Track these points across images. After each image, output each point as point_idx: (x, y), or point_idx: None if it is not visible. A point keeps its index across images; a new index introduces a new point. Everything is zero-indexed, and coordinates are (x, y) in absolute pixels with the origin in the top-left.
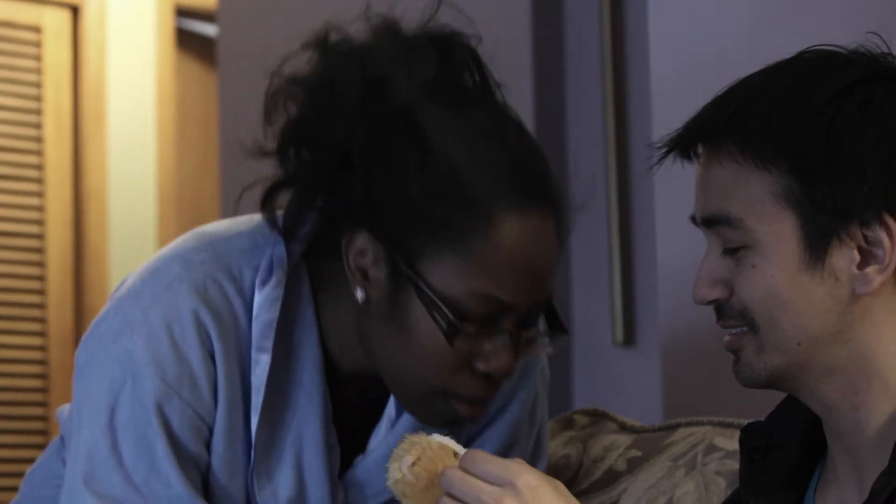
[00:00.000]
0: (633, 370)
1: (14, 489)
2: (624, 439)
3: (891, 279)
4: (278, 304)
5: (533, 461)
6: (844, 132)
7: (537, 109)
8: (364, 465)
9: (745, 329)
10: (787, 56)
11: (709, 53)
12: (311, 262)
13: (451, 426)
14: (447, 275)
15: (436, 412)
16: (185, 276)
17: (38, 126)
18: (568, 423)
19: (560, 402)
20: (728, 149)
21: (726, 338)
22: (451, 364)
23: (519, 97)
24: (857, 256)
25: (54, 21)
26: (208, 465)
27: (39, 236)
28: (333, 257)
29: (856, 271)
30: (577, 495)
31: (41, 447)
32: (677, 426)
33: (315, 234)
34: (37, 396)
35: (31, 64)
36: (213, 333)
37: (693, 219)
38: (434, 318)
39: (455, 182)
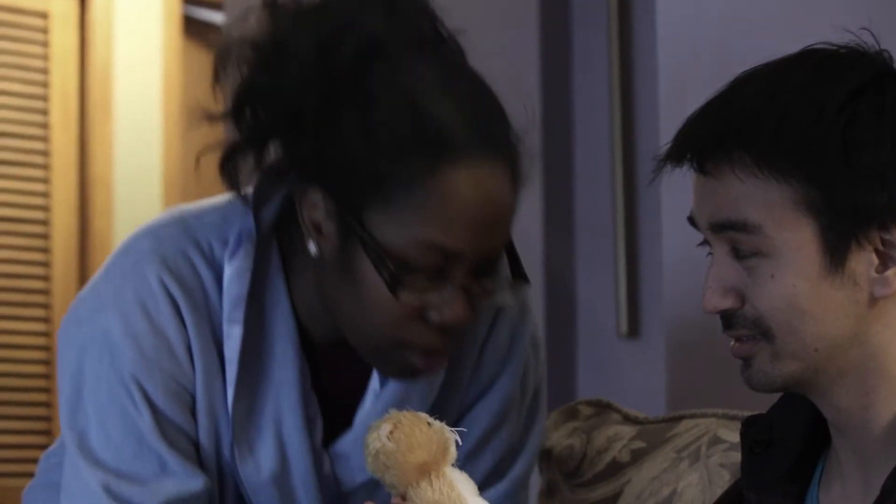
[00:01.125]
0: (638, 362)
1: (19, 475)
2: (628, 430)
3: None
4: (248, 276)
5: (526, 433)
6: (859, 139)
7: (544, 101)
8: (350, 438)
9: (758, 337)
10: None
11: (716, 48)
12: (280, 234)
13: (409, 378)
14: (392, 227)
15: (394, 364)
16: (154, 251)
17: (44, 112)
18: (572, 414)
19: (564, 393)
20: (742, 161)
21: (734, 344)
22: (403, 315)
23: (526, 89)
24: (875, 260)
25: (61, 7)
26: (197, 434)
27: (45, 222)
28: (299, 226)
29: (875, 275)
30: (581, 486)
31: (45, 433)
32: (681, 418)
33: (283, 206)
34: (41, 382)
35: (37, 50)
36: (183, 306)
37: (691, 221)
38: (378, 271)
39: (399, 135)
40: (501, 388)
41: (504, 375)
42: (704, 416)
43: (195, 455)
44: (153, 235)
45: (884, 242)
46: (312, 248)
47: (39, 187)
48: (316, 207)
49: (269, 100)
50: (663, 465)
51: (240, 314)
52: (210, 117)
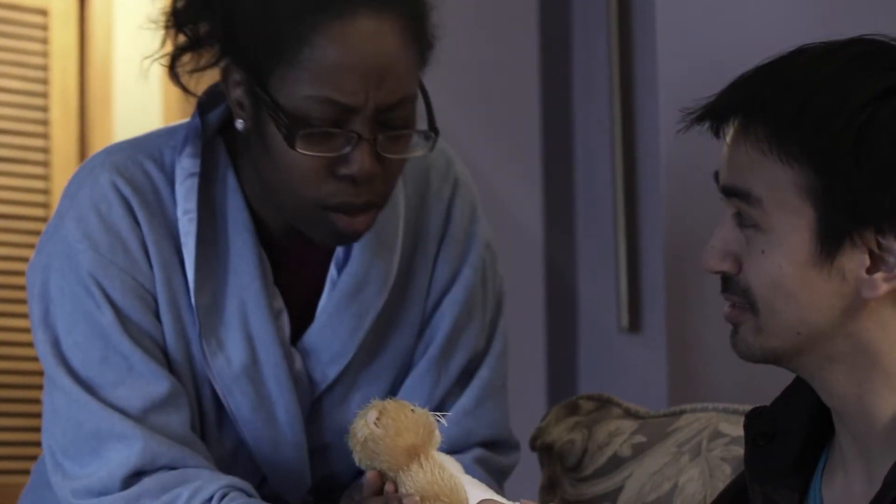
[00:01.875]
0: (639, 356)
1: (21, 473)
2: (629, 425)
3: None
4: (197, 162)
5: (489, 339)
6: (874, 140)
7: (544, 96)
8: (315, 330)
9: (746, 307)
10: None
11: (715, 41)
12: (226, 136)
13: (340, 242)
14: (289, 87)
15: (321, 228)
16: (106, 161)
17: (44, 109)
18: (573, 409)
19: (565, 388)
20: (756, 134)
21: (727, 309)
22: (311, 172)
23: (525, 84)
24: (867, 261)
25: (61, 4)
26: (164, 338)
27: (45, 220)
28: (237, 137)
29: (864, 275)
30: (582, 480)
31: None
32: (682, 412)
33: (227, 108)
34: (40, 380)
35: (37, 47)
36: (136, 206)
37: (715, 177)
38: (278, 128)
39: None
40: (464, 281)
41: (465, 268)
42: (705, 410)
43: (162, 358)
44: (105, 150)
45: (879, 245)
46: (239, 123)
47: (40, 184)
48: (237, 84)
49: None
50: (664, 460)
51: (192, 206)
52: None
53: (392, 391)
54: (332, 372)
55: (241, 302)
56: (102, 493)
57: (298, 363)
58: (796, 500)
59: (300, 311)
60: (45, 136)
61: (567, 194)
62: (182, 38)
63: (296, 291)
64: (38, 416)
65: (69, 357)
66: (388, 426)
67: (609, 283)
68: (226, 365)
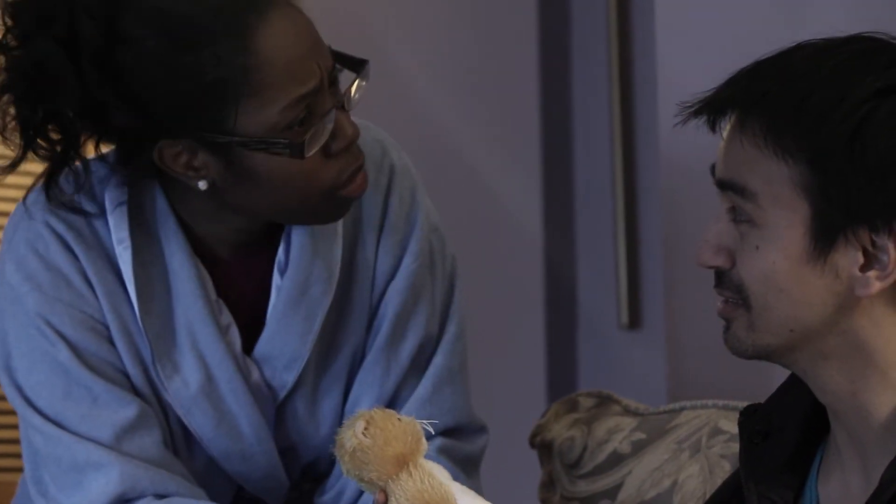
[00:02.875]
0: (639, 353)
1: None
2: (629, 422)
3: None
4: (125, 190)
5: (443, 322)
6: (870, 137)
7: (543, 92)
8: (266, 338)
9: (739, 303)
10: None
11: (715, 32)
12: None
13: (347, 211)
14: (254, 115)
15: (337, 207)
16: (38, 200)
17: None
18: (573, 406)
19: (565, 385)
20: (752, 128)
21: (720, 304)
22: (317, 168)
23: (524, 79)
24: (860, 258)
25: None
26: (123, 363)
27: None
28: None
29: (857, 273)
30: (582, 477)
31: None
32: (682, 409)
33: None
34: None
35: None
36: (71, 241)
37: (712, 170)
38: (277, 154)
39: (191, 51)
40: (406, 269)
41: (406, 256)
42: (705, 407)
43: (126, 383)
44: (38, 188)
45: (873, 244)
46: (201, 185)
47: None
48: (179, 156)
49: (59, 110)
50: (664, 457)
51: (125, 234)
52: (8, 167)
53: (349, 388)
54: (290, 377)
55: (189, 322)
56: None
57: (255, 374)
58: (791, 499)
59: (251, 321)
60: None
61: (566, 192)
62: (55, 155)
63: (243, 303)
64: None
65: (34, 397)
66: (376, 436)
67: (609, 281)
68: (183, 387)
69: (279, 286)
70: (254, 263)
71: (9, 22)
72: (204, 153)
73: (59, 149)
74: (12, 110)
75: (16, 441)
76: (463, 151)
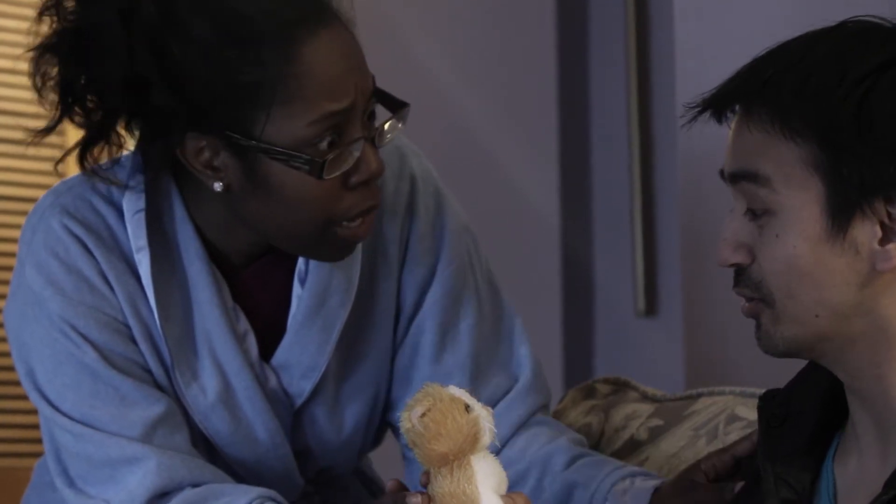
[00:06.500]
0: (655, 340)
1: (26, 455)
2: (646, 408)
3: None
4: (143, 197)
5: (498, 320)
6: (876, 110)
7: (560, 80)
8: (285, 347)
9: (759, 300)
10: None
11: (733, 26)
12: (170, 167)
13: (351, 250)
14: (282, 124)
15: (333, 245)
16: (55, 203)
17: None
18: (590, 392)
19: (582, 372)
20: (759, 115)
21: (744, 304)
22: (332, 194)
23: (542, 66)
24: (879, 232)
25: None
26: (147, 362)
27: None
28: (183, 168)
29: (877, 247)
30: None
31: None
32: (699, 395)
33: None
34: None
35: None
36: (90, 243)
37: (721, 173)
38: (295, 168)
39: (239, 48)
40: (441, 274)
41: (440, 262)
42: (722, 393)
43: (152, 381)
44: (53, 191)
45: (889, 216)
46: (217, 186)
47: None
48: (201, 152)
49: (100, 81)
50: (681, 443)
51: (143, 242)
52: (43, 131)
53: (375, 398)
54: (307, 385)
55: (206, 330)
56: None
57: (273, 380)
58: (808, 482)
59: (268, 328)
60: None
61: (584, 179)
62: (93, 125)
63: (261, 310)
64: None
65: (59, 400)
66: (428, 427)
67: (625, 268)
68: (200, 394)
69: (300, 296)
70: (272, 273)
71: None
72: (226, 153)
73: (95, 119)
74: (54, 72)
75: (15, 427)
76: (481, 140)
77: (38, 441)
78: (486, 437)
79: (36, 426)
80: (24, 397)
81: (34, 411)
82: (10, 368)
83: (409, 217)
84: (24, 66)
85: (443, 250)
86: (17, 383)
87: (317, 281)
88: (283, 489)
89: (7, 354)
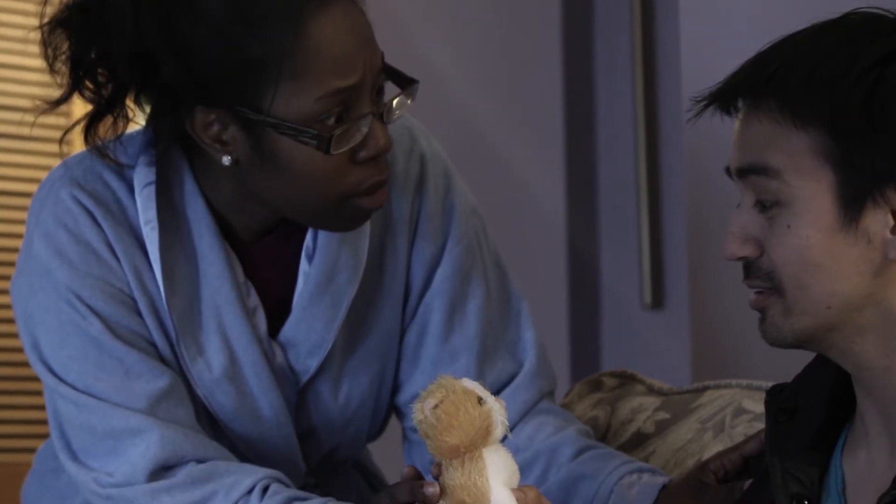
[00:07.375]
0: (662, 333)
1: (24, 451)
2: (652, 401)
3: None
4: (153, 170)
5: (506, 301)
6: (885, 98)
7: (566, 72)
8: (292, 323)
9: (771, 290)
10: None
11: (739, 21)
12: (180, 141)
13: (364, 220)
14: (290, 99)
15: (346, 216)
16: (65, 175)
17: (63, 86)
18: (596, 385)
19: (588, 365)
20: (768, 106)
21: (752, 296)
22: (340, 169)
23: (547, 56)
24: (891, 220)
25: None
26: (152, 336)
27: None
28: (193, 143)
29: (889, 235)
30: None
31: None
32: (705, 389)
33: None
34: None
35: None
36: (99, 215)
37: (727, 171)
38: (304, 143)
39: (247, 23)
40: (450, 253)
41: (449, 241)
42: (729, 386)
43: (157, 354)
44: (64, 164)
45: None
46: (226, 160)
47: (57, 162)
48: (210, 125)
49: (109, 54)
50: (688, 436)
51: (152, 215)
52: (55, 102)
53: (381, 375)
54: (313, 362)
55: (214, 304)
56: (127, 485)
57: (280, 357)
58: (816, 476)
59: (277, 305)
60: (65, 113)
61: (590, 173)
62: (101, 98)
63: (270, 287)
64: (41, 408)
65: (63, 371)
66: (440, 419)
67: (632, 260)
68: (206, 369)
69: (307, 272)
70: (281, 249)
71: None
72: (235, 128)
73: (105, 93)
74: (65, 46)
75: (16, 422)
76: (487, 134)
77: (40, 437)
78: (499, 430)
79: (37, 421)
80: (26, 392)
81: (36, 406)
82: (13, 364)
83: (418, 196)
84: (27, 61)
85: (452, 229)
86: (18, 379)
87: (325, 258)
88: (285, 472)
89: (9, 350)
